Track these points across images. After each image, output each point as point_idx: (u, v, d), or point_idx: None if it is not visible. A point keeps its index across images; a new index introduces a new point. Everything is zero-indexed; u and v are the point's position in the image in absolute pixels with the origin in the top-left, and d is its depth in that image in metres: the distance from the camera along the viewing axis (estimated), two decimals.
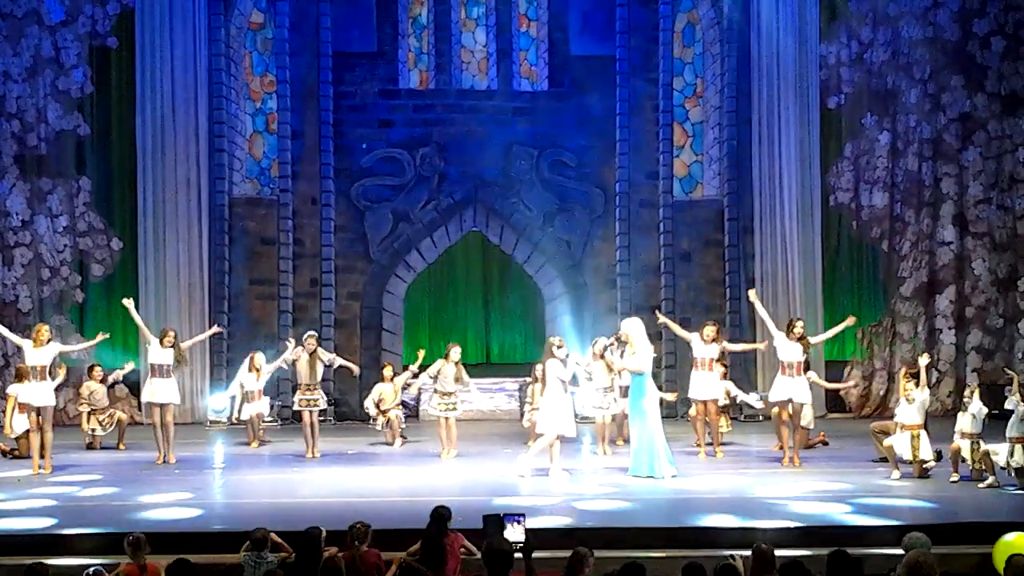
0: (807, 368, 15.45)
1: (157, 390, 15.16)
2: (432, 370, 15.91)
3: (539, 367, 14.87)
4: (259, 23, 21.42)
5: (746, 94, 20.75)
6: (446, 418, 15.71)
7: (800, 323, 14.78)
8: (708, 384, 15.38)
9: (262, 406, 17.28)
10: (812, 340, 14.84)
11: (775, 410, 14.78)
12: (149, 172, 20.17)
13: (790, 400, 14.47)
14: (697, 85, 21.82)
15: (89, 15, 20.30)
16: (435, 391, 15.98)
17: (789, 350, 14.46)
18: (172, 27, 20.20)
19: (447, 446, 15.70)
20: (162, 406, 15.12)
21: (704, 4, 21.33)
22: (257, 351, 17.52)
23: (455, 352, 15.88)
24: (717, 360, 15.62)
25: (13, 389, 15.94)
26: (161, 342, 15.27)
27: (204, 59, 20.33)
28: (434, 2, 21.48)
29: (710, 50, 21.49)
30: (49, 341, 14.61)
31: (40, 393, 14.29)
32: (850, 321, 15.55)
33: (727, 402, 16.76)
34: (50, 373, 14.53)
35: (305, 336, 16.26)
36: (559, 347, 13.77)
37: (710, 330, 15.44)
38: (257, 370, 16.98)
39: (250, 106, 21.47)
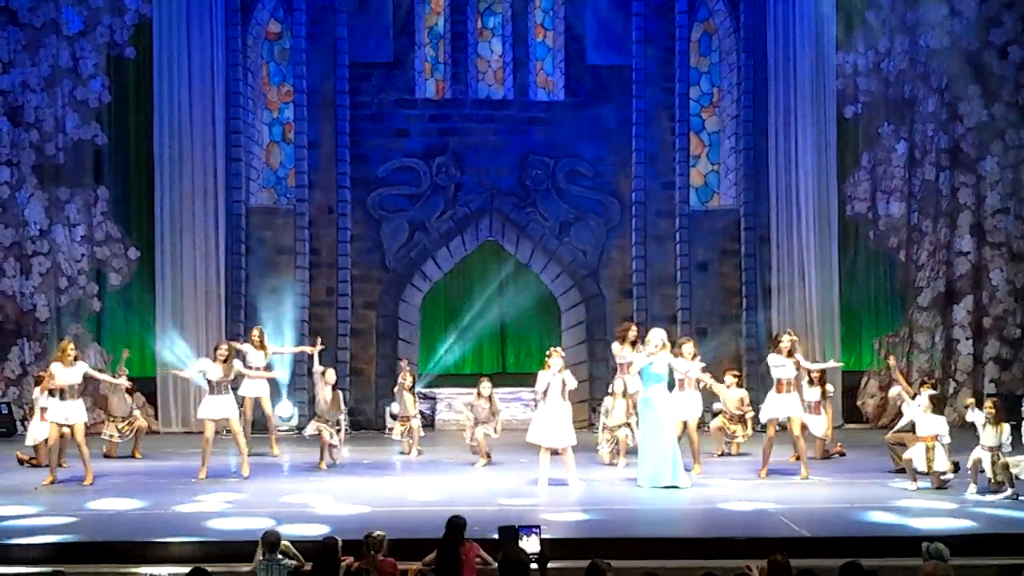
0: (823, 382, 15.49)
1: (213, 406, 14.70)
2: (467, 402, 16.36)
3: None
4: (276, 33, 21.48)
5: (763, 103, 20.73)
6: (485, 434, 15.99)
7: (786, 337, 14.73)
8: (691, 403, 14.99)
9: (262, 388, 16.76)
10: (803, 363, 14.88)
11: (768, 425, 14.64)
12: (166, 181, 20.21)
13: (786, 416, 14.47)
14: (713, 94, 21.79)
15: (107, 25, 20.36)
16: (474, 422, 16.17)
17: (782, 367, 14.44)
18: (189, 37, 20.25)
19: (484, 457, 15.96)
20: (217, 421, 14.72)
21: (721, 14, 21.32)
22: (258, 327, 17.52)
23: (485, 387, 16.17)
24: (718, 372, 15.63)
25: (43, 399, 15.93)
26: (214, 357, 14.94)
27: (221, 69, 20.37)
28: (451, 12, 21.51)
29: (727, 59, 21.47)
30: (77, 359, 14.52)
31: (73, 411, 14.29)
32: (836, 364, 16.54)
33: (742, 411, 16.72)
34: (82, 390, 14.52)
35: (321, 371, 16.25)
36: (548, 356, 13.84)
37: (690, 347, 15.08)
38: (262, 346, 16.85)
39: (267, 116, 21.52)
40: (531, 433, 13.99)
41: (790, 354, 14.46)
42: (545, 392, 13.75)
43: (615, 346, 15.91)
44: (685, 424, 14.84)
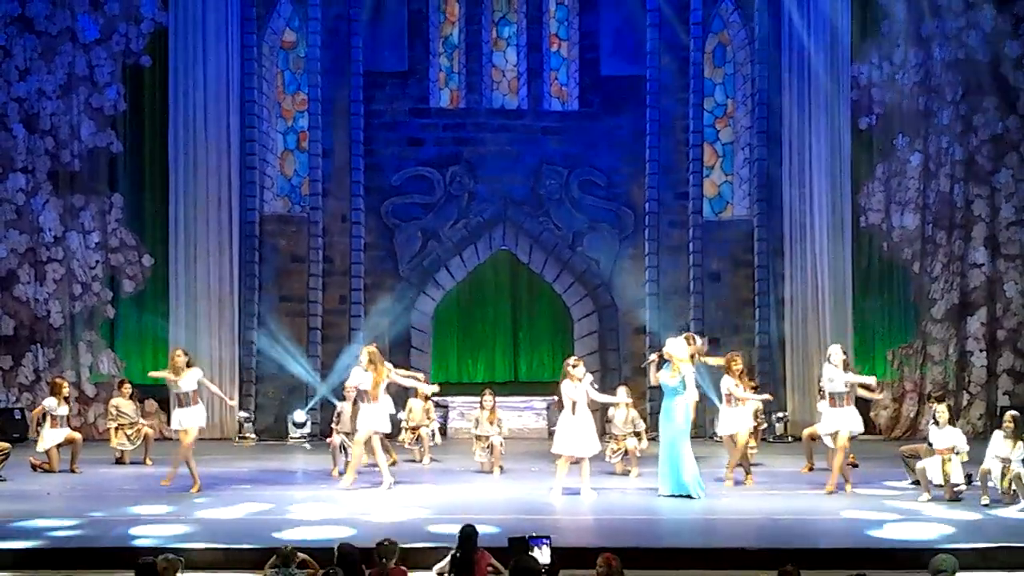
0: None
1: (372, 417, 14.34)
2: (472, 418, 16.51)
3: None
4: (291, 42, 21.53)
5: (777, 115, 20.72)
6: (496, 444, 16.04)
7: (838, 349, 14.60)
8: (740, 418, 14.98)
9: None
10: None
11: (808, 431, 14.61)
12: (181, 189, 20.28)
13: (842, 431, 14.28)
14: (728, 105, 21.78)
15: (123, 33, 20.41)
16: (475, 436, 16.29)
17: (833, 381, 14.28)
18: (205, 46, 20.31)
19: (494, 466, 15.97)
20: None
21: (735, 25, 21.33)
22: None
23: (487, 399, 16.29)
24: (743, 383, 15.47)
25: (50, 403, 16.10)
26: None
27: (236, 77, 20.43)
28: (465, 22, 21.56)
29: (741, 70, 21.47)
30: (189, 365, 14.51)
31: (190, 417, 14.35)
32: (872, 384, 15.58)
33: (756, 423, 16.68)
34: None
35: (345, 387, 16.14)
36: (574, 367, 13.80)
37: (740, 364, 15.12)
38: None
39: (281, 124, 21.57)
40: (560, 444, 13.86)
41: (846, 368, 14.31)
42: (574, 403, 13.70)
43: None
44: (733, 438, 14.82)
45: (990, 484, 13.12)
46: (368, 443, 14.50)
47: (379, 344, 17.10)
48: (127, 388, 17.30)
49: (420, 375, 16.88)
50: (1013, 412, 13.77)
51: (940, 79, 20.80)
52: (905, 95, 20.86)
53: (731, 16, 21.30)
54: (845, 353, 14.51)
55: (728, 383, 14.95)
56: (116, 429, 16.93)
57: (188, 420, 14.36)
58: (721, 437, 15.87)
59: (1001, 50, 20.69)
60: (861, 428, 14.63)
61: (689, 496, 13.45)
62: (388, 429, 14.69)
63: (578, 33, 21.58)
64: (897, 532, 11.63)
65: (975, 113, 20.74)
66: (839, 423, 14.15)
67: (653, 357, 14.43)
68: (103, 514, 12.56)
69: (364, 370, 14.43)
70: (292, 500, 13.62)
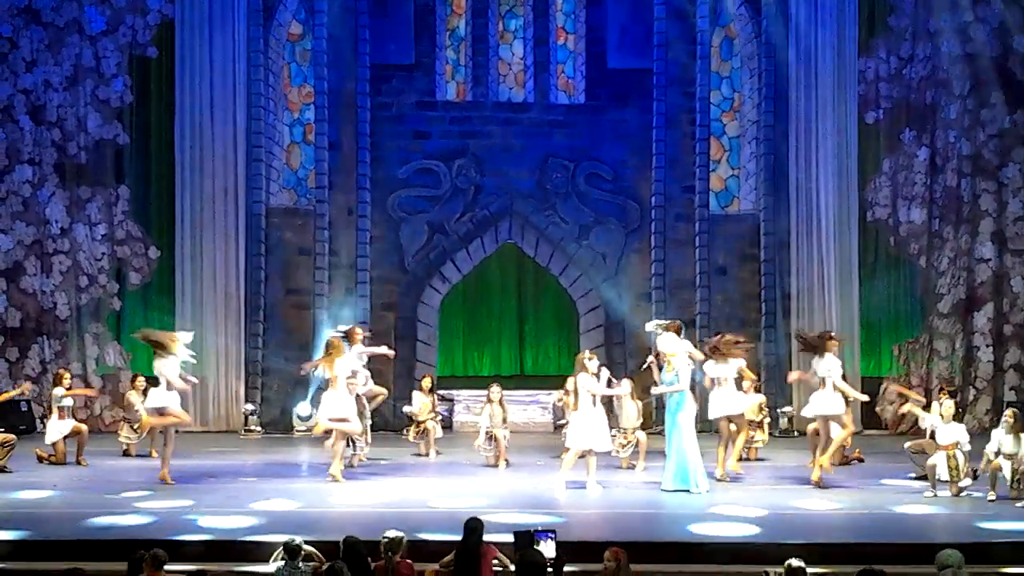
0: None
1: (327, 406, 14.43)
2: (483, 414, 16.34)
3: (571, 381, 14.75)
4: (298, 34, 21.54)
5: (783, 109, 20.68)
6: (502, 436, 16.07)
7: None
8: (733, 400, 14.97)
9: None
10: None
11: (813, 426, 14.64)
12: (187, 181, 20.29)
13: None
14: (734, 99, 21.77)
15: (130, 25, 20.43)
16: (486, 432, 16.22)
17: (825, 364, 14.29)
18: (212, 38, 20.32)
19: (500, 460, 15.99)
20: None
21: (742, 18, 21.29)
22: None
23: (495, 392, 16.32)
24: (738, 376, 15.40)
25: (59, 391, 16.14)
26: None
27: (243, 70, 20.42)
28: (472, 15, 21.53)
29: (748, 64, 21.44)
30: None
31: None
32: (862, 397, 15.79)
33: (761, 417, 16.67)
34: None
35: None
36: (589, 360, 13.77)
37: (713, 340, 15.08)
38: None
39: (288, 117, 21.59)
40: (573, 438, 13.77)
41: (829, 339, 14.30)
42: (593, 396, 13.68)
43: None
44: (730, 421, 14.78)
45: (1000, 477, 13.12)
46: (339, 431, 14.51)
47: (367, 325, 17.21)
48: (140, 382, 17.28)
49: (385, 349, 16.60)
50: (1013, 409, 13.77)
51: (947, 73, 20.78)
52: (912, 89, 20.85)
53: (738, 10, 21.26)
54: (833, 338, 14.47)
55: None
56: (123, 422, 16.99)
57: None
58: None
59: (1009, 44, 20.66)
60: (840, 409, 14.49)
61: (691, 490, 13.45)
62: (346, 417, 14.46)
63: (585, 26, 21.56)
64: (902, 527, 11.61)
65: (982, 108, 20.72)
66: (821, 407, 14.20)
67: (651, 359, 14.42)
68: (105, 506, 12.57)
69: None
70: (296, 492, 13.61)
